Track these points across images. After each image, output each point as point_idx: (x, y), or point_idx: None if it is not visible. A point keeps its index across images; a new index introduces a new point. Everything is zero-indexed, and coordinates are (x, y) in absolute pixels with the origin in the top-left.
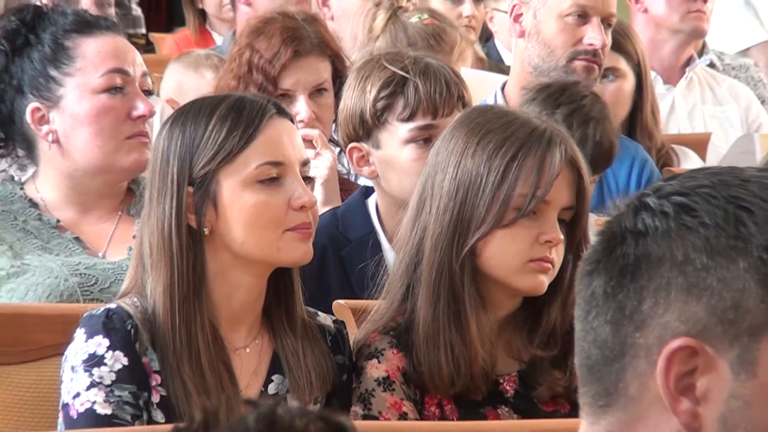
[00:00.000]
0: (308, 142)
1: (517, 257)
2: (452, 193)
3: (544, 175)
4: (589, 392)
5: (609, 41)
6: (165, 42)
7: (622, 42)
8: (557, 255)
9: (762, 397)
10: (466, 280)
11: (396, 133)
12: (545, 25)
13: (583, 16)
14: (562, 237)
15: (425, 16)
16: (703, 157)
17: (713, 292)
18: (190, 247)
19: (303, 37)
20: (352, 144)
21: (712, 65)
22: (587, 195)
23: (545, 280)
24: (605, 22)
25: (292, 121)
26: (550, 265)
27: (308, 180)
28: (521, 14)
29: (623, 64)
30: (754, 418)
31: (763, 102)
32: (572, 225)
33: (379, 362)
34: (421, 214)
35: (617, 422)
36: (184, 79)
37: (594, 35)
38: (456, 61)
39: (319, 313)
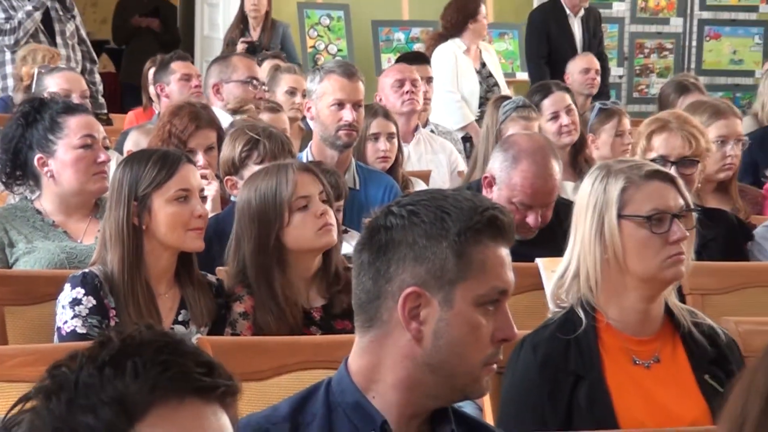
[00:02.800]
0: (204, 177)
1: (308, 232)
2: (256, 214)
3: (297, 183)
4: (360, 319)
5: (360, 116)
6: (127, 116)
7: (391, 116)
8: (333, 220)
9: (456, 320)
10: (273, 262)
11: (253, 171)
12: (321, 113)
13: (340, 105)
14: (327, 207)
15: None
16: (427, 184)
17: (429, 260)
18: (134, 236)
19: (201, 117)
20: (227, 177)
21: (432, 131)
22: (340, 187)
23: (332, 237)
24: (355, 105)
25: (195, 165)
26: (330, 227)
27: (203, 198)
28: (310, 107)
29: (394, 129)
30: (451, 332)
31: (460, 152)
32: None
33: (240, 303)
34: (240, 225)
35: (375, 336)
36: (140, 140)
37: (347, 115)
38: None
39: (208, 274)
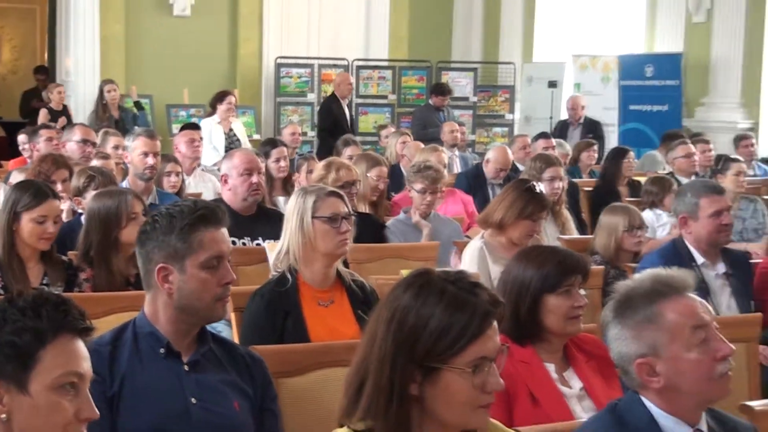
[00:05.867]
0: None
1: (134, 235)
2: (104, 220)
3: (132, 204)
4: (144, 284)
5: (158, 161)
6: (9, 163)
7: (178, 161)
8: None
9: (189, 279)
10: (111, 249)
11: (91, 195)
12: (134, 160)
13: (145, 155)
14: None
15: None
16: None
17: (166, 247)
18: (9, 234)
19: (59, 162)
20: (75, 197)
21: (203, 169)
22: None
23: None
24: (155, 154)
25: (59, 199)
26: None
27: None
28: (127, 156)
29: (180, 168)
30: (187, 287)
31: (219, 181)
32: None
33: (84, 272)
34: (90, 225)
35: (152, 294)
36: (18, 176)
37: (149, 161)
38: None
39: (62, 255)
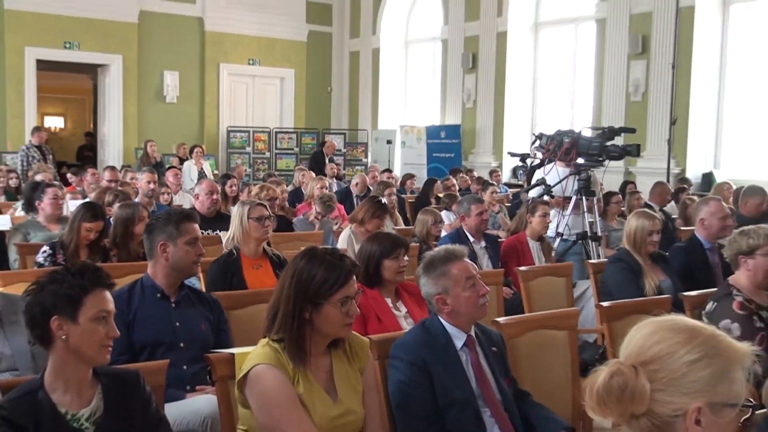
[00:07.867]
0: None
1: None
2: (125, 221)
3: (142, 212)
4: (147, 255)
5: (156, 185)
6: (66, 189)
7: (164, 183)
8: None
9: (179, 250)
10: (129, 237)
11: (116, 207)
12: (142, 186)
13: (148, 183)
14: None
15: None
16: None
17: (165, 232)
18: (70, 233)
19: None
20: (107, 207)
21: (183, 191)
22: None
23: None
24: (152, 182)
25: (104, 218)
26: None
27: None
28: (138, 183)
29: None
30: (178, 255)
31: None
32: None
33: (113, 251)
34: (116, 224)
35: (153, 261)
36: (68, 195)
37: (151, 186)
38: None
39: (101, 243)
